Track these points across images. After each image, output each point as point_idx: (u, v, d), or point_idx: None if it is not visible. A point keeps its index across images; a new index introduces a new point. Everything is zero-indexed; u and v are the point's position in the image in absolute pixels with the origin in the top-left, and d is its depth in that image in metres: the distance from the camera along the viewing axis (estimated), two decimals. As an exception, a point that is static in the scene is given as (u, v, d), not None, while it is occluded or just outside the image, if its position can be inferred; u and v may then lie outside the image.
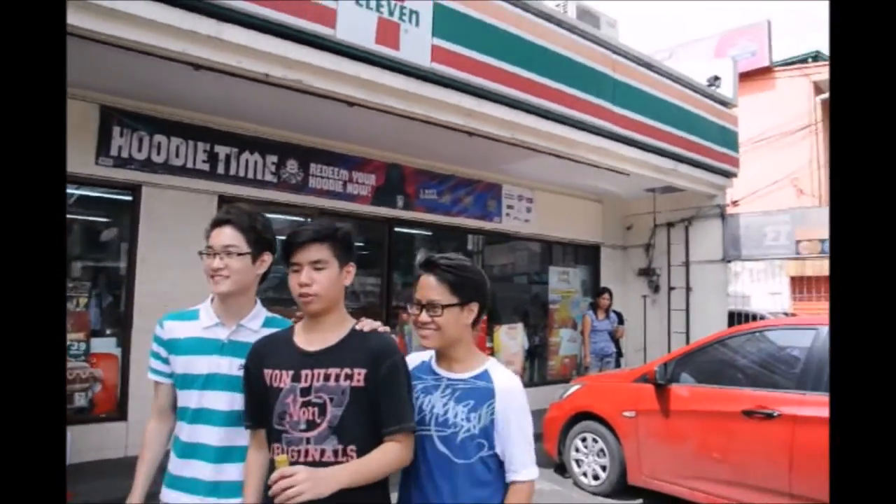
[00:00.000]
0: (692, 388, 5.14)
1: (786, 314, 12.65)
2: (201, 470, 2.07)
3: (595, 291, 9.40)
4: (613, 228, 10.33)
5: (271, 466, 1.85)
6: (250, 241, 2.12)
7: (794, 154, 12.23)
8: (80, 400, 5.44)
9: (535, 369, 9.01)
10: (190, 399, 2.10)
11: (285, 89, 5.06)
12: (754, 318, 10.57)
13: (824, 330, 4.68)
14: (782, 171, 12.76)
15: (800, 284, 14.28)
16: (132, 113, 5.67)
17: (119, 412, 5.62)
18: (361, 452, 1.86)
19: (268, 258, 2.20)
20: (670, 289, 9.78)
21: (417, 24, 5.27)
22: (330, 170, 6.79)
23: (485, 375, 2.04)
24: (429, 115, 5.60)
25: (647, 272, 10.09)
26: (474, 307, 2.07)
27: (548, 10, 6.79)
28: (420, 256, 8.24)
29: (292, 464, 1.77)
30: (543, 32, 6.43)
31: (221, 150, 6.11)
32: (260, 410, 1.95)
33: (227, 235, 2.10)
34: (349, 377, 1.89)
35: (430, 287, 2.02)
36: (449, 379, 2.05)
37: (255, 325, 2.17)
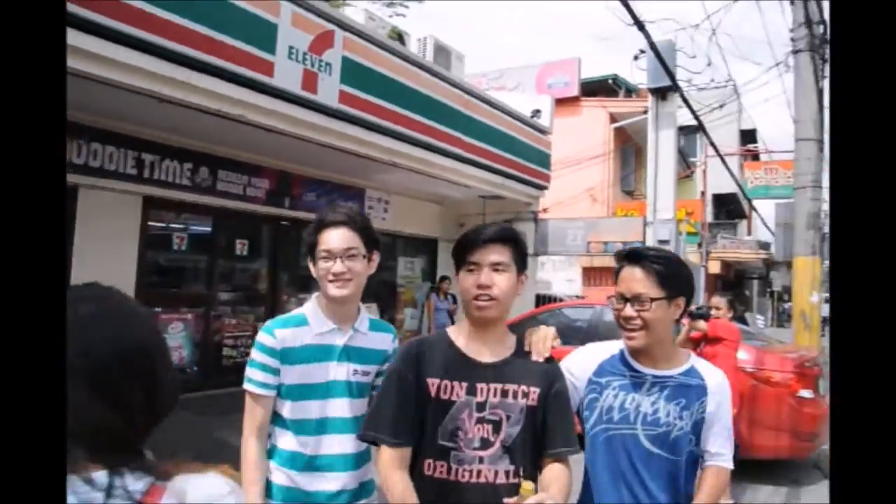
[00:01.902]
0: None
1: (577, 297, 15.62)
2: (341, 481, 2.01)
3: (432, 278, 11.39)
4: (449, 226, 12.34)
5: (431, 487, 1.76)
6: (366, 242, 2.07)
7: (592, 172, 15.22)
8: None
9: (386, 343, 10.82)
10: (308, 410, 2.01)
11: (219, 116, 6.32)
12: (554, 299, 13.23)
13: (599, 308, 7.06)
14: (583, 186, 15.73)
15: (589, 274, 17.52)
16: (73, 123, 6.56)
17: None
18: (528, 474, 1.76)
19: (377, 258, 2.15)
20: (493, 277, 11.99)
21: (330, 73, 6.76)
22: (234, 175, 8.02)
23: (693, 372, 1.98)
24: (333, 143, 7.12)
25: (475, 263, 12.22)
26: (681, 302, 1.95)
27: (416, 57, 8.54)
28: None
29: (465, 485, 1.73)
30: (415, 77, 8.14)
31: (147, 158, 7.14)
32: (412, 424, 1.78)
33: (347, 238, 2.02)
34: (525, 395, 1.80)
35: (635, 279, 1.91)
36: (655, 376, 1.95)
37: (365, 327, 2.13)
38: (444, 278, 10.72)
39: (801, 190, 9.93)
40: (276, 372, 2.01)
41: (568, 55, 17.98)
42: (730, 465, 1.96)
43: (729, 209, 32.60)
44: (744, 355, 6.59)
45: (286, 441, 2.03)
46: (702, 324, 5.71)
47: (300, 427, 2.02)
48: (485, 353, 1.82)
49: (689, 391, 1.93)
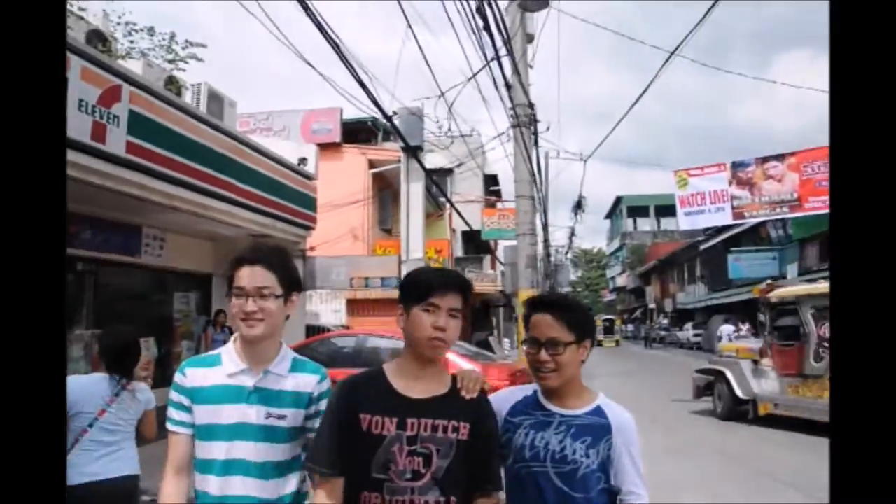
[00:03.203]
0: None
1: (343, 326, 17.03)
2: None
3: (207, 311, 12.09)
4: (222, 261, 13.04)
5: None
6: (282, 282, 2.06)
7: (354, 213, 17.03)
8: None
9: (163, 372, 11.20)
10: (215, 451, 2.03)
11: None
12: (323, 329, 14.52)
13: (362, 336, 8.63)
14: (346, 225, 17.42)
15: (353, 305, 19.11)
16: None
17: None
18: None
19: (296, 298, 2.14)
20: (264, 309, 12.96)
21: (118, 125, 7.49)
22: (9, 214, 8.23)
23: (599, 410, 2.08)
24: (118, 188, 7.78)
25: (246, 297, 13.07)
26: (588, 344, 2.10)
27: (195, 109, 9.46)
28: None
29: None
30: (193, 128, 9.05)
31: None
32: (345, 457, 1.90)
33: (260, 276, 2.02)
34: (456, 430, 1.91)
35: (548, 325, 2.05)
36: (562, 415, 2.07)
37: (283, 369, 2.11)
38: (219, 312, 11.49)
39: (521, 236, 12.36)
40: (188, 410, 2.07)
41: (333, 102, 19.60)
42: (640, 501, 2.03)
43: (478, 244, 36.30)
44: (471, 368, 8.82)
45: (198, 481, 2.07)
46: None
47: (207, 467, 2.04)
48: (418, 390, 1.95)
49: (595, 429, 2.04)
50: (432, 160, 21.96)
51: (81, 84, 7.01)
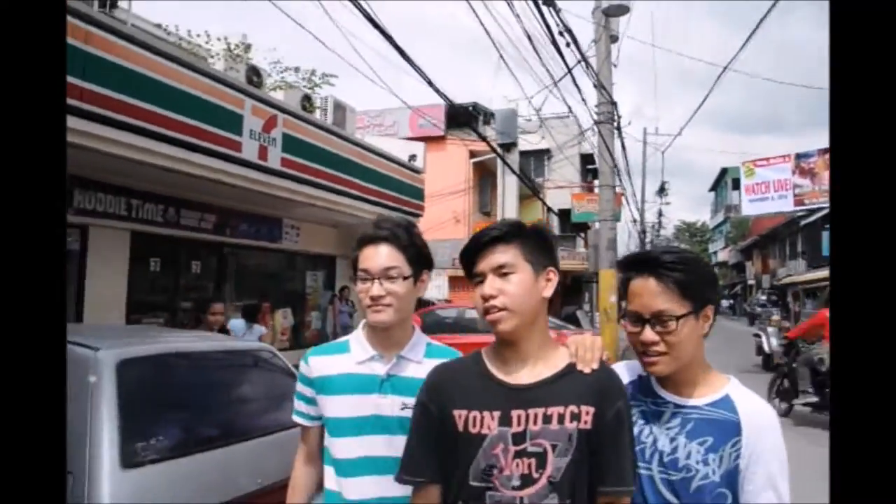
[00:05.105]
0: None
1: (445, 300, 19.13)
2: None
3: (332, 287, 14.37)
4: (345, 245, 15.27)
5: None
6: (411, 261, 1.85)
7: (457, 199, 19.18)
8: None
9: (297, 337, 13.61)
10: (347, 447, 1.85)
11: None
12: (428, 303, 16.63)
13: (461, 308, 10.63)
14: (450, 209, 19.57)
15: (454, 282, 21.19)
16: (85, 179, 9.00)
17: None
18: None
19: (427, 277, 1.93)
20: (380, 286, 15.21)
21: (276, 145, 9.64)
22: (190, 212, 10.61)
23: (726, 402, 1.58)
24: (274, 193, 9.98)
25: (364, 275, 15.32)
26: (710, 311, 1.60)
27: (329, 126, 11.59)
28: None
29: None
30: (328, 140, 11.15)
31: (134, 202, 9.64)
32: (439, 462, 1.59)
33: (386, 256, 1.83)
34: (576, 417, 1.51)
35: (651, 294, 1.56)
36: (677, 405, 1.61)
37: (417, 355, 1.90)
38: (344, 287, 13.75)
39: (603, 222, 13.87)
40: (311, 401, 1.96)
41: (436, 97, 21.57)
42: None
43: (574, 223, 37.62)
44: (584, 334, 11.32)
45: (330, 481, 1.91)
46: None
47: (340, 466, 1.87)
48: (521, 375, 1.59)
49: (718, 427, 1.54)
50: (531, 140, 23.52)
51: (252, 118, 9.19)
